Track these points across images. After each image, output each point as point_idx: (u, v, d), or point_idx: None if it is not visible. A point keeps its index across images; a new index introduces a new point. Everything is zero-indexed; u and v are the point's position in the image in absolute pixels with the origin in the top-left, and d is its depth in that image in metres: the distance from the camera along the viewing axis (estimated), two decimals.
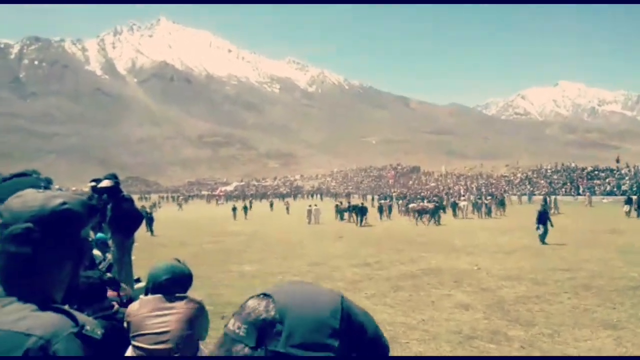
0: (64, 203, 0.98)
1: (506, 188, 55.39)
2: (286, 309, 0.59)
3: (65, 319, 0.90)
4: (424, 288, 8.57)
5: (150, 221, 22.82)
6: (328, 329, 0.60)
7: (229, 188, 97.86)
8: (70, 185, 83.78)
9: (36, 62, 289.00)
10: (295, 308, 0.60)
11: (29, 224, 0.94)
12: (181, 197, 69.04)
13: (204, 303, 2.43)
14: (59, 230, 0.96)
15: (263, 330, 0.58)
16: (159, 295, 2.33)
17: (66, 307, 0.96)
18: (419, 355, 5.18)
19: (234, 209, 32.60)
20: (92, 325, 0.90)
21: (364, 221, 24.58)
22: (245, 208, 34.17)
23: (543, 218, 14.60)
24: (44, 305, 0.92)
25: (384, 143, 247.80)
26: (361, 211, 25.22)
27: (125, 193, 5.92)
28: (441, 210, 26.53)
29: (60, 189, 1.72)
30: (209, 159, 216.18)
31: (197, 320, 2.33)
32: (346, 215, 28.40)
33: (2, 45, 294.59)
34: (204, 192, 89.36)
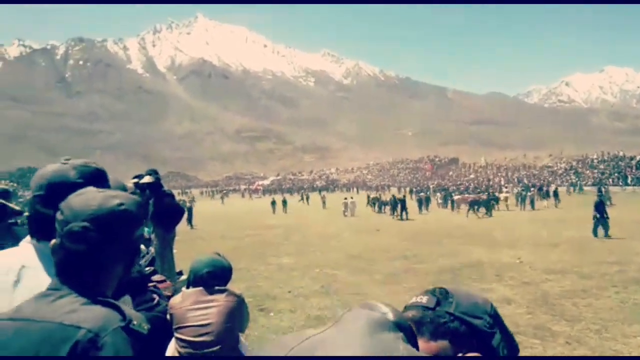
0: (122, 204, 1.01)
1: (550, 179, 53.54)
2: (455, 292, 0.84)
3: (114, 313, 0.92)
4: (464, 282, 8.41)
5: (190, 215, 23.47)
6: (483, 309, 0.83)
7: (266, 182, 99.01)
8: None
9: (81, 62, 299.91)
10: (461, 292, 0.85)
11: (86, 224, 0.97)
12: (223, 192, 70.27)
13: (243, 296, 2.47)
14: (115, 230, 0.99)
15: (439, 299, 0.83)
16: (200, 288, 2.39)
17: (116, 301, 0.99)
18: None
19: (273, 203, 32.49)
20: (139, 320, 0.93)
21: (403, 214, 24.19)
22: (284, 202, 33.75)
23: (600, 209, 13.97)
24: (95, 299, 0.95)
25: (421, 134, 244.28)
26: (402, 204, 24.80)
27: (166, 188, 6.09)
28: (493, 202, 25.84)
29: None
30: (246, 153, 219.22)
31: (237, 313, 2.37)
32: (384, 208, 28.31)
33: (48, 47, 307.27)
34: (242, 187, 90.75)
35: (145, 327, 0.94)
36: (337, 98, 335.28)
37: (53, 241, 1.02)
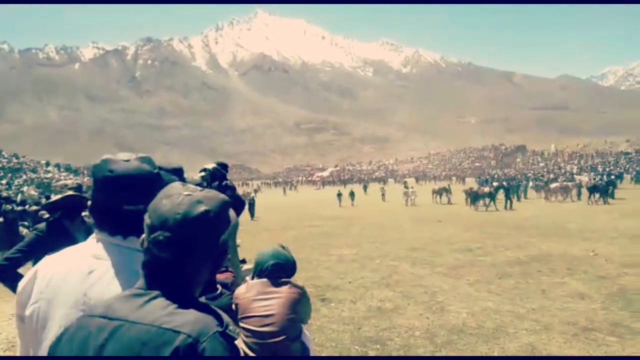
0: (208, 211, 1.00)
1: (627, 166, 49.86)
2: None
3: (211, 317, 0.93)
4: (533, 275, 8.04)
5: (251, 206, 24.12)
6: None
7: (325, 173, 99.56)
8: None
9: (149, 62, 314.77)
10: None
11: (168, 234, 0.97)
12: (286, 183, 71.39)
13: (305, 288, 2.51)
14: (200, 238, 0.99)
15: None
16: (264, 280, 2.46)
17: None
18: (529, 344, 4.89)
19: (339, 195, 31.27)
20: (232, 325, 0.93)
21: (508, 204, 22.65)
22: (351, 193, 32.13)
23: None
24: (186, 302, 0.95)
25: (485, 122, 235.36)
26: (507, 192, 23.16)
27: (228, 180, 6.29)
28: (611, 187, 23.99)
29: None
30: (306, 145, 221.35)
31: (300, 305, 2.42)
32: (437, 198, 27.92)
33: (120, 48, 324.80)
34: (301, 178, 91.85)
35: (237, 331, 0.94)
36: (396, 87, 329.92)
37: (142, 237, 1.03)
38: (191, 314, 0.92)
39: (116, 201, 1.26)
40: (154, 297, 0.96)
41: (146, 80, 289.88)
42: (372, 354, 4.82)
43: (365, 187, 39.23)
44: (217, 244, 1.02)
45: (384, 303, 6.61)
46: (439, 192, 28.68)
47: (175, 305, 0.94)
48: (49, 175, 37.08)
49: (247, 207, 22.84)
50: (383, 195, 34.84)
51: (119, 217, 1.25)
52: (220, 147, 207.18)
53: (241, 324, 2.39)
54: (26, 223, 12.25)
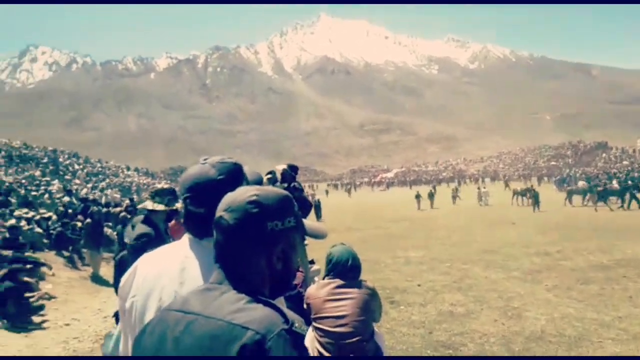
0: (255, 195, 1.04)
1: None
2: None
3: (277, 314, 0.94)
4: (618, 281, 7.48)
5: (317, 208, 24.38)
6: None
7: (390, 175, 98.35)
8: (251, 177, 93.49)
9: (218, 69, 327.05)
10: None
11: (223, 213, 1.04)
12: (349, 185, 71.38)
13: (376, 289, 2.50)
14: (245, 219, 1.02)
15: None
16: (336, 280, 2.48)
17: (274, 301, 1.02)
18: (615, 355, 4.56)
19: (418, 196, 28.59)
20: (299, 322, 0.94)
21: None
22: (431, 195, 29.41)
23: None
24: (255, 298, 0.98)
25: (560, 118, 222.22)
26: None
27: (296, 182, 6.39)
28: None
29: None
30: (370, 146, 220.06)
31: (371, 306, 2.42)
32: (518, 199, 26.15)
33: (191, 57, 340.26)
34: (365, 179, 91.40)
35: (304, 328, 0.95)
36: (463, 84, 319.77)
37: (214, 235, 1.09)
38: (259, 310, 0.94)
39: (184, 202, 1.34)
40: (225, 292, 1.00)
41: (216, 87, 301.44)
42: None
43: (434, 189, 35.32)
44: (263, 231, 1.03)
45: (455, 307, 6.44)
46: (521, 193, 26.16)
47: (244, 300, 0.97)
48: (129, 179, 39.48)
49: (313, 208, 22.92)
50: (454, 197, 31.38)
51: (192, 218, 1.33)
52: (286, 150, 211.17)
53: (315, 324, 2.43)
54: (110, 224, 13.14)
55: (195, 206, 1.31)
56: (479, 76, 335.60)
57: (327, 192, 56.14)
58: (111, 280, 10.09)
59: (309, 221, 1.27)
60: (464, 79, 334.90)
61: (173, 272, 1.28)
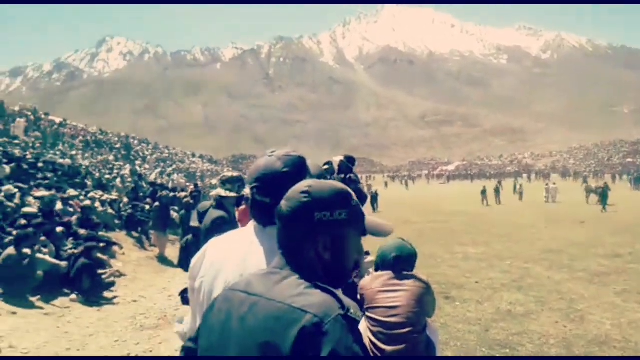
0: (309, 186, 1.12)
1: None
2: None
3: (334, 300, 0.98)
4: None
5: (374, 199, 24.27)
6: None
7: (450, 168, 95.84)
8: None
9: (281, 59, 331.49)
10: None
11: (281, 203, 1.13)
12: (407, 177, 70.39)
13: (430, 283, 2.49)
14: (295, 209, 1.09)
15: None
16: (389, 272, 2.49)
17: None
18: None
19: (484, 192, 26.77)
20: (354, 308, 0.99)
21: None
22: (497, 190, 27.67)
23: None
24: (314, 284, 1.03)
25: (639, 112, 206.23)
26: None
27: (353, 174, 6.41)
28: None
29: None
30: (431, 138, 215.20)
31: (425, 299, 2.41)
32: (591, 197, 24.57)
33: (255, 47, 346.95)
34: (424, 172, 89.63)
35: (359, 314, 0.99)
36: (534, 75, 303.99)
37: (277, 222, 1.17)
38: (317, 295, 0.99)
39: (251, 191, 1.45)
40: (286, 277, 1.06)
41: (278, 77, 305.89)
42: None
43: (500, 184, 32.38)
44: (311, 220, 1.08)
45: (514, 307, 6.24)
46: (595, 191, 24.08)
47: (303, 286, 1.02)
48: (194, 165, 41.11)
49: (369, 200, 22.80)
50: (521, 193, 29.82)
51: (258, 206, 1.43)
52: (345, 140, 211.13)
53: (367, 314, 2.46)
54: (176, 208, 13.79)
55: (261, 195, 1.40)
56: (552, 66, 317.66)
57: (386, 183, 55.68)
58: (175, 261, 10.65)
59: (373, 217, 1.31)
60: (535, 69, 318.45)
61: (238, 256, 1.38)
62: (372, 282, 2.49)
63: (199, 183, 22.98)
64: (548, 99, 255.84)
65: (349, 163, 6.45)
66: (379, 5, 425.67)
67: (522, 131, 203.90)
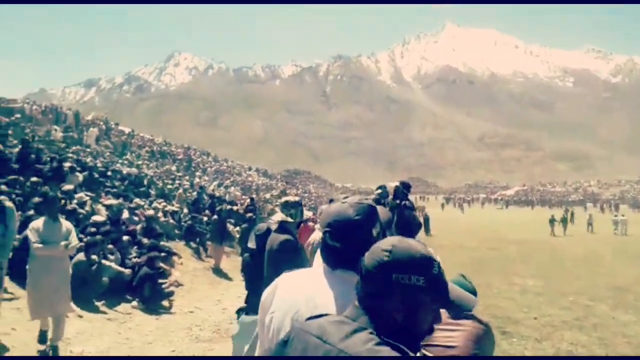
0: (392, 245, 1.15)
1: None
2: None
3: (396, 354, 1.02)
4: None
5: (426, 222, 23.75)
6: None
7: (509, 192, 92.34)
8: (361, 185, 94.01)
9: (339, 77, 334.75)
10: None
11: (364, 256, 1.17)
12: (462, 200, 68.41)
13: (491, 325, 2.43)
14: (375, 270, 1.13)
15: None
16: (443, 310, 2.41)
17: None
18: None
19: (552, 221, 25.10)
20: None
21: None
22: (564, 220, 26.10)
23: None
24: (384, 340, 1.05)
25: None
26: None
27: (408, 200, 6.37)
28: None
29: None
30: (489, 161, 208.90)
31: (484, 341, 2.33)
32: None
33: (314, 65, 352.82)
34: (481, 195, 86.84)
35: None
36: (603, 99, 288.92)
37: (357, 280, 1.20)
38: (385, 352, 1.01)
39: (323, 235, 1.51)
40: (358, 330, 1.08)
41: (335, 94, 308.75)
42: None
43: (567, 213, 29.63)
44: (388, 281, 1.11)
45: (575, 347, 5.92)
46: None
47: (374, 341, 1.04)
48: (250, 179, 42.11)
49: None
50: (590, 224, 27.26)
51: (328, 249, 1.49)
52: (400, 159, 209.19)
53: (424, 351, 2.43)
54: (232, 220, 14.20)
55: (332, 240, 1.46)
56: (622, 91, 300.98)
57: (442, 205, 54.72)
58: (230, 274, 10.95)
59: (457, 288, 1.32)
60: (604, 93, 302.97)
61: (308, 296, 1.43)
62: None
63: (254, 196, 23.50)
64: (617, 124, 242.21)
65: (404, 189, 6.44)
66: (440, 25, 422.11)
67: (588, 157, 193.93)
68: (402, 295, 1.10)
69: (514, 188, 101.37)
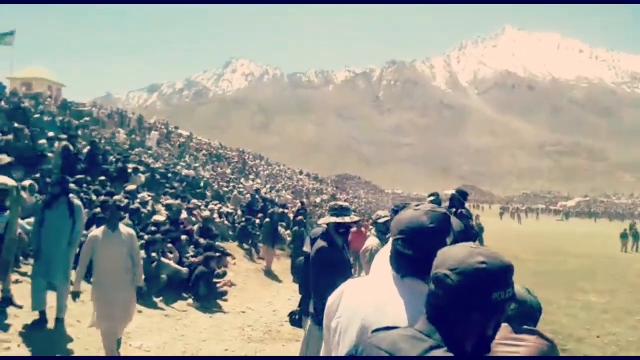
0: (484, 262, 1.09)
1: None
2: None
3: None
4: None
5: (480, 231, 23.00)
6: None
7: (571, 203, 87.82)
8: (412, 191, 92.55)
9: (392, 82, 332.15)
10: None
11: (447, 272, 1.09)
12: (520, 210, 65.51)
13: (555, 342, 2.31)
14: (472, 284, 1.07)
15: None
16: (506, 325, 2.31)
17: None
18: None
19: (625, 235, 23.47)
20: None
21: None
22: (635, 235, 23.89)
23: None
24: (461, 356, 1.03)
25: None
26: None
27: (464, 209, 6.19)
28: None
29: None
30: (549, 170, 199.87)
31: (548, 359, 2.23)
32: None
33: (367, 71, 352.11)
34: (540, 206, 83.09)
35: None
36: None
37: (431, 286, 1.15)
38: None
39: (395, 242, 1.48)
40: (434, 347, 1.05)
41: (388, 100, 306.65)
42: None
43: (634, 228, 25.73)
44: (489, 297, 1.06)
45: None
46: None
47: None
48: (301, 183, 42.51)
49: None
50: None
51: (399, 257, 1.46)
52: (453, 166, 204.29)
53: None
54: (284, 224, 14.40)
55: (404, 247, 1.43)
56: None
57: (501, 214, 53.20)
58: (281, 276, 11.11)
59: None
60: None
61: (376, 304, 1.41)
62: None
63: (305, 200, 23.72)
64: None
65: (460, 197, 6.26)
66: (499, 29, 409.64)
67: None
68: (497, 309, 1.07)
69: (575, 199, 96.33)
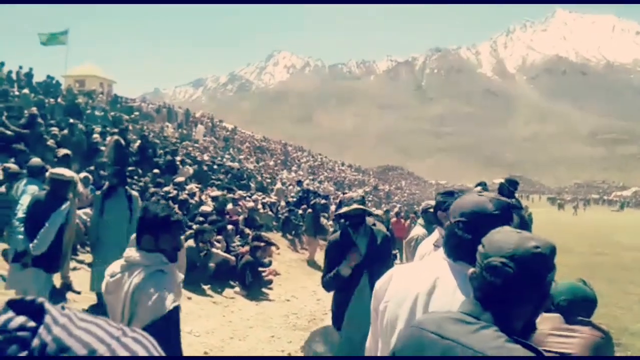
0: (537, 247, 1.09)
1: None
2: None
3: (536, 357, 1.00)
4: None
5: (530, 222, 22.28)
6: None
7: (626, 193, 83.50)
8: (456, 182, 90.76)
9: (435, 71, 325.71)
10: None
11: (504, 260, 1.07)
12: (577, 201, 62.18)
13: (611, 334, 2.24)
14: (529, 269, 1.07)
15: None
16: (558, 315, 2.26)
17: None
18: None
19: None
20: None
21: None
22: None
23: None
24: (513, 339, 1.02)
25: None
26: None
27: (514, 199, 6.02)
28: None
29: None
30: (603, 158, 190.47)
31: (602, 351, 2.13)
32: None
33: (410, 59, 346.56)
34: (593, 196, 79.46)
35: None
36: None
37: (472, 270, 1.16)
38: (519, 351, 0.97)
39: (453, 225, 1.46)
40: (485, 327, 1.04)
41: (431, 88, 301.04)
42: None
43: None
44: (542, 281, 1.08)
45: None
46: None
47: (503, 339, 1.00)
48: (342, 174, 42.55)
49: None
50: None
51: (456, 240, 1.44)
52: (497, 156, 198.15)
53: None
54: (326, 214, 14.53)
55: (464, 231, 1.41)
56: None
57: (559, 205, 51.29)
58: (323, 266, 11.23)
59: None
60: None
61: (425, 287, 1.41)
62: (542, 323, 2.33)
63: (346, 192, 23.72)
64: None
65: (510, 187, 6.06)
66: (549, 12, 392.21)
67: None
68: (548, 290, 1.10)
69: (631, 189, 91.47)
